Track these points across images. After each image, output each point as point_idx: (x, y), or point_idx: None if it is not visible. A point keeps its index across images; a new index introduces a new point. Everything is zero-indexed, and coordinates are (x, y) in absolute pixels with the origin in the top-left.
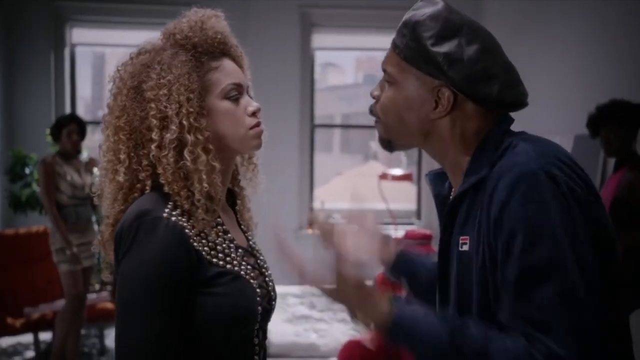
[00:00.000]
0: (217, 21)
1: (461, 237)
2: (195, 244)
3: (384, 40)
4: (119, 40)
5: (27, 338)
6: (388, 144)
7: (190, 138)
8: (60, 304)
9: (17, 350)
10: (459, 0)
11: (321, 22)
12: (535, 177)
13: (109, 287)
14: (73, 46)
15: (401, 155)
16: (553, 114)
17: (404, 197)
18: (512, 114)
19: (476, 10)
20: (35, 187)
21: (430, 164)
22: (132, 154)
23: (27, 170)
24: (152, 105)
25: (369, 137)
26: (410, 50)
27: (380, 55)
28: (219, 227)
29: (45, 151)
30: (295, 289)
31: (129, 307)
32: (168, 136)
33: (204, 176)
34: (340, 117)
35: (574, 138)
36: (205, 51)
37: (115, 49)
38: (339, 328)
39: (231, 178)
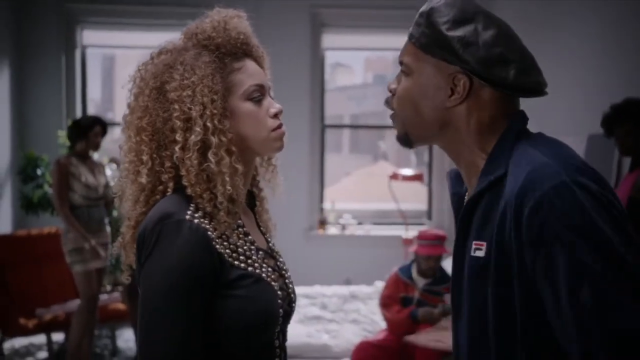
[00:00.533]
0: (240, 21)
1: (475, 242)
2: (217, 246)
3: (394, 40)
4: (129, 42)
5: (40, 339)
6: (405, 139)
7: (214, 140)
8: (72, 304)
9: (29, 351)
10: None
11: (331, 22)
12: (570, 189)
13: (120, 288)
14: (84, 48)
15: (411, 155)
16: (566, 114)
17: (415, 197)
18: (528, 115)
19: (487, 9)
20: (47, 189)
21: (441, 163)
22: (155, 155)
23: (38, 172)
24: (176, 106)
25: (378, 137)
26: (426, 37)
27: (390, 55)
28: (240, 229)
29: (57, 152)
30: (306, 289)
31: (152, 310)
32: (192, 138)
33: (227, 178)
34: (350, 117)
35: (588, 138)
36: (228, 52)
37: (125, 50)
38: (350, 329)
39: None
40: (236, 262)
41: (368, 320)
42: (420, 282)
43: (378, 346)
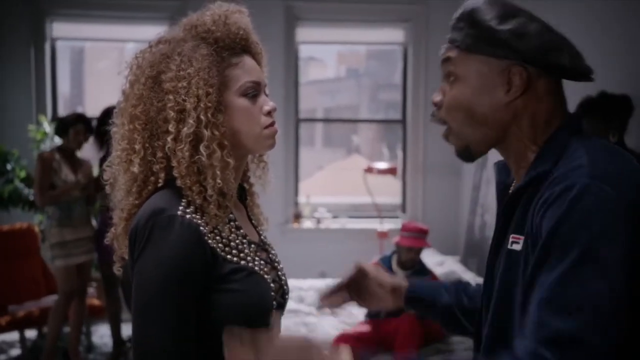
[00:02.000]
0: (241, 17)
1: (513, 235)
2: (209, 241)
3: (367, 34)
4: (99, 35)
5: (13, 336)
6: (466, 152)
7: (207, 133)
8: (47, 301)
9: (2, 348)
10: None
11: (305, 15)
12: (580, 193)
13: (94, 284)
14: (53, 40)
15: (383, 148)
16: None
17: (389, 191)
18: None
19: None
20: (18, 183)
21: (414, 157)
22: (147, 145)
23: (8, 167)
24: (171, 97)
25: (351, 131)
26: (472, 37)
27: (363, 49)
28: (232, 223)
29: (27, 147)
30: None
31: (146, 305)
32: (185, 130)
33: (218, 172)
34: (323, 111)
35: None
36: (226, 46)
37: (95, 43)
38: (328, 322)
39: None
40: (229, 256)
41: (346, 312)
42: (400, 273)
43: (357, 338)
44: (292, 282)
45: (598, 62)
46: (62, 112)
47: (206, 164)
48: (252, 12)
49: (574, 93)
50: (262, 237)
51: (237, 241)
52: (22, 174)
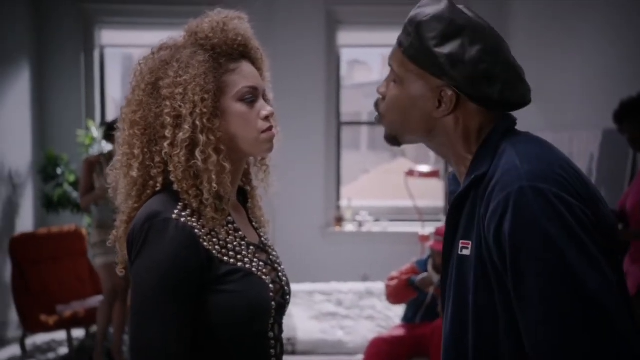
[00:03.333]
0: (240, 23)
1: (462, 241)
2: (205, 243)
3: None
4: (147, 41)
5: (61, 335)
6: (393, 140)
7: (202, 138)
8: (92, 301)
9: (51, 347)
10: None
11: (346, 19)
12: (525, 195)
13: None
14: (102, 48)
15: (429, 152)
16: (581, 108)
17: (431, 194)
18: (543, 111)
19: (502, 9)
20: (67, 187)
21: None
22: (146, 150)
23: (58, 171)
24: (167, 103)
25: None
26: (414, 49)
27: None
28: (230, 226)
29: (76, 151)
30: (322, 286)
31: (142, 308)
32: (181, 135)
33: (214, 176)
34: (367, 114)
35: (603, 132)
36: (224, 52)
37: (143, 50)
38: (365, 325)
39: (243, 176)
40: (225, 258)
41: (383, 316)
42: (435, 277)
43: (391, 342)
44: (332, 285)
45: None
46: (112, 117)
47: (202, 169)
48: (293, 16)
49: (615, 94)
50: (262, 238)
51: (235, 243)
52: (71, 177)
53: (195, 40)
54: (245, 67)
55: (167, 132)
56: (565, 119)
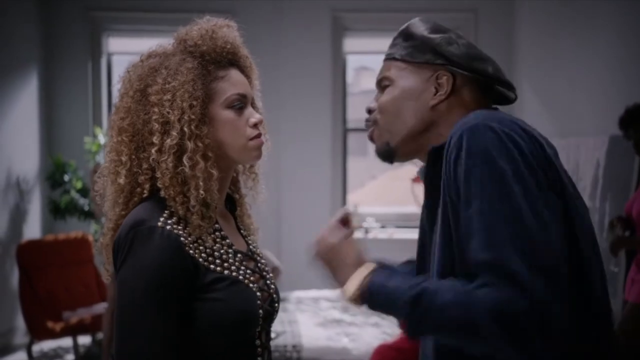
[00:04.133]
0: (229, 31)
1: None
2: (191, 251)
3: None
4: None
5: (67, 342)
6: (386, 149)
7: (190, 145)
8: (98, 308)
9: (57, 353)
10: (493, 5)
11: (352, 26)
12: (478, 129)
13: None
14: (110, 55)
15: None
16: (588, 115)
17: None
18: (550, 117)
19: (510, 17)
20: (74, 194)
21: None
22: (134, 157)
23: (66, 178)
24: (156, 109)
25: None
26: (406, 48)
27: None
28: (217, 233)
29: (83, 158)
30: (327, 293)
31: (126, 316)
32: (168, 141)
33: (201, 183)
34: None
35: (609, 139)
36: (212, 60)
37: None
38: (370, 332)
39: (231, 184)
40: (212, 266)
41: (388, 323)
42: None
43: (396, 349)
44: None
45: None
46: None
47: (189, 175)
48: (300, 22)
49: (621, 100)
50: (250, 246)
51: (222, 251)
52: (79, 184)
53: (184, 48)
54: (234, 74)
55: (155, 139)
56: (571, 126)
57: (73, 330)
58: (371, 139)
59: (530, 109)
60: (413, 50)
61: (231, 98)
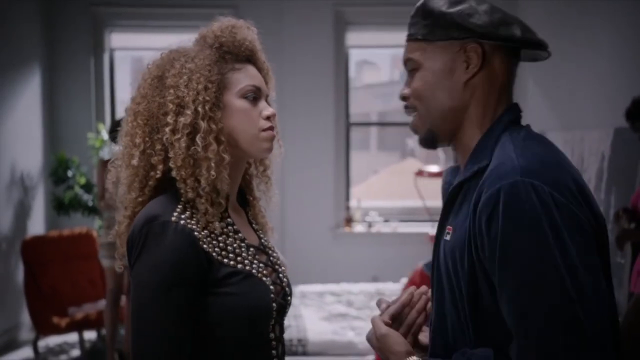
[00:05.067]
0: (248, 32)
1: (448, 227)
2: (204, 245)
3: None
4: (156, 44)
5: (73, 337)
6: (430, 136)
7: (203, 125)
8: (103, 303)
9: (63, 349)
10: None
11: (355, 20)
12: (518, 189)
13: None
14: (112, 51)
15: (438, 152)
16: (592, 107)
17: (440, 194)
18: (554, 110)
19: (512, 8)
20: (78, 190)
21: None
22: (147, 139)
23: (69, 173)
24: (171, 91)
25: (405, 135)
26: (426, 27)
27: None
28: (230, 227)
29: (87, 154)
30: (332, 287)
31: (142, 311)
32: (182, 120)
33: (213, 164)
34: (377, 115)
35: (614, 131)
36: (230, 51)
37: (153, 52)
38: None
39: (245, 186)
40: (225, 260)
41: None
42: None
43: None
44: (342, 286)
45: None
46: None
47: (202, 156)
48: (302, 17)
49: (625, 92)
50: (262, 240)
51: (235, 245)
52: (82, 180)
53: (205, 42)
54: (251, 69)
55: (170, 118)
56: (576, 118)
57: (78, 326)
58: (414, 130)
59: (534, 103)
60: (434, 27)
61: (246, 88)
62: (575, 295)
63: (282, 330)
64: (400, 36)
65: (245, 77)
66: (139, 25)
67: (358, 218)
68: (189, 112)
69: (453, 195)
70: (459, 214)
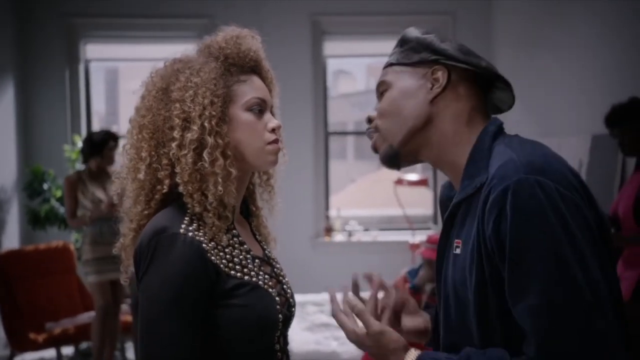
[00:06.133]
0: (253, 41)
1: (456, 240)
2: (212, 257)
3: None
4: (132, 55)
5: (50, 353)
6: (391, 154)
7: (210, 140)
8: (82, 318)
9: None
10: (471, 8)
11: (332, 29)
12: (525, 186)
13: (128, 301)
14: (87, 62)
15: None
16: (569, 114)
17: (420, 203)
18: (531, 118)
19: (488, 18)
20: (54, 203)
21: None
22: (153, 153)
23: (45, 186)
24: (177, 105)
25: None
26: (402, 52)
27: None
28: (235, 239)
29: (62, 166)
30: (314, 297)
31: (151, 323)
32: (189, 136)
33: (220, 179)
34: (353, 124)
35: (592, 138)
36: (235, 63)
37: (128, 63)
38: None
39: (248, 196)
40: (232, 272)
41: None
42: (428, 286)
43: None
44: (323, 296)
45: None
46: (98, 130)
47: (208, 171)
48: (279, 27)
49: (602, 99)
50: (266, 251)
51: (241, 257)
52: (58, 193)
53: (209, 53)
54: (256, 80)
55: (176, 133)
56: (553, 125)
57: (56, 341)
58: (374, 148)
59: (511, 110)
60: (408, 52)
61: (251, 101)
62: (587, 288)
63: (286, 342)
64: (376, 45)
65: (250, 90)
66: (114, 36)
67: (338, 227)
68: (195, 127)
69: (454, 211)
70: (465, 226)
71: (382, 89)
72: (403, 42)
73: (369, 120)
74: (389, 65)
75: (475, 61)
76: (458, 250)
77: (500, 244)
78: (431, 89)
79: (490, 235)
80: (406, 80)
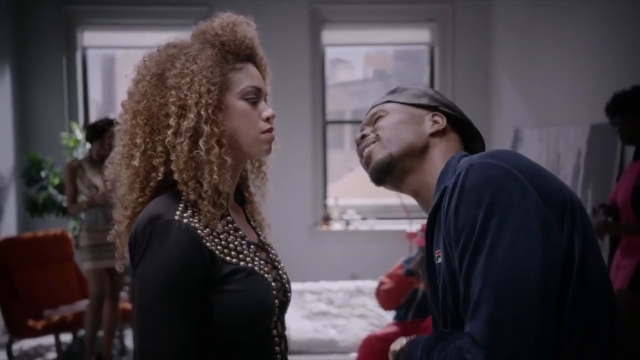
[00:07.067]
0: (248, 28)
1: (437, 251)
2: (208, 243)
3: (394, 35)
4: (129, 42)
5: (49, 340)
6: (388, 160)
7: (206, 129)
8: (80, 305)
9: (38, 352)
10: None
11: (331, 18)
12: (474, 167)
13: (126, 288)
14: (84, 49)
15: None
16: (568, 104)
17: None
18: (530, 107)
19: (488, 6)
20: (52, 190)
21: None
22: (148, 139)
23: (42, 174)
24: (173, 92)
25: None
26: (401, 95)
27: (390, 50)
28: (230, 225)
29: (60, 154)
30: (312, 285)
31: (147, 311)
32: (185, 124)
33: (215, 168)
34: (351, 113)
35: (590, 127)
36: (232, 51)
37: (126, 51)
38: (357, 323)
39: (241, 182)
40: (228, 258)
41: (375, 314)
42: (423, 269)
43: (385, 340)
44: (322, 284)
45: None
46: (95, 118)
47: (204, 160)
48: (277, 15)
49: (601, 89)
50: (261, 237)
51: (236, 242)
52: (56, 181)
53: (205, 39)
54: (251, 68)
55: (172, 121)
56: (551, 115)
57: (55, 328)
58: (368, 157)
59: (509, 100)
60: (409, 95)
61: (246, 90)
62: (527, 261)
63: (283, 327)
64: (375, 34)
65: (246, 78)
66: (111, 24)
67: (336, 216)
68: (191, 115)
69: (431, 223)
70: (440, 234)
71: (378, 115)
72: (401, 89)
73: (363, 136)
74: (387, 102)
75: (460, 114)
76: (440, 260)
77: (456, 230)
78: (432, 125)
79: (452, 226)
80: (407, 113)
